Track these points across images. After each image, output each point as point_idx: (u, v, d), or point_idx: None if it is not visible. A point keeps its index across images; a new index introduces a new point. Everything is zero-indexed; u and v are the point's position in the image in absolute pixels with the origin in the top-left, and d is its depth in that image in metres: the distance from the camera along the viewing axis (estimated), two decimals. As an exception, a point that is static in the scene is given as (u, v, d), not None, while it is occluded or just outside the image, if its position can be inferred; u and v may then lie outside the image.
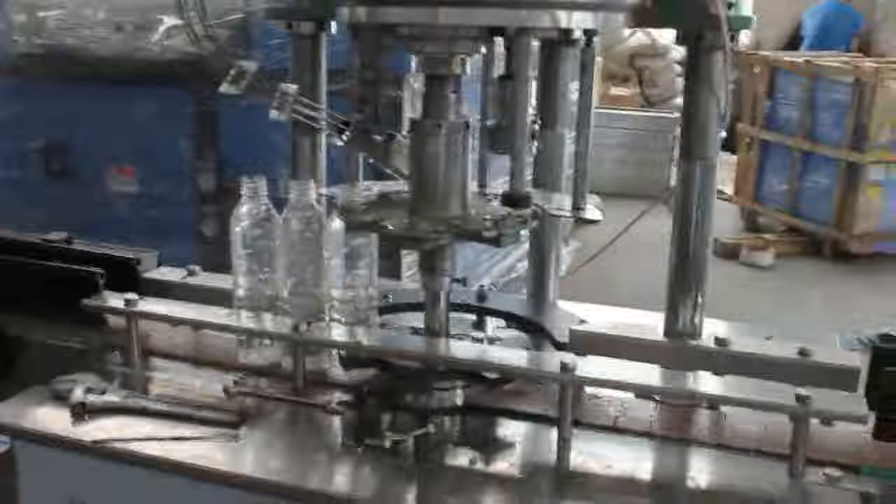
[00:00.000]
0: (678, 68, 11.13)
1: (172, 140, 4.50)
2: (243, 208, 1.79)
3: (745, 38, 11.79)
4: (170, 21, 3.96)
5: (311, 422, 1.66)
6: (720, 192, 8.87)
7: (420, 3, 1.42)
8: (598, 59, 10.17)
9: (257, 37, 3.56)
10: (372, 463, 1.52)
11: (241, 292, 1.83)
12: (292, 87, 1.69)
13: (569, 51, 1.83)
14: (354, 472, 1.52)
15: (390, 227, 1.56)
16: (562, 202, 1.78)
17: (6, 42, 4.58)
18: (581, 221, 1.77)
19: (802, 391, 1.45)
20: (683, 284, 1.68)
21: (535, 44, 1.88)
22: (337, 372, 1.78)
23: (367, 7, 1.48)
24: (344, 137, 1.71)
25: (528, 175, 1.67)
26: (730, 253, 7.16)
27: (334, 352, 1.78)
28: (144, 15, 4.21)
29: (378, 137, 1.71)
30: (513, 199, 1.58)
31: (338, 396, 1.70)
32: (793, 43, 11.11)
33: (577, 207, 1.73)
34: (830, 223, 7.04)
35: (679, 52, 11.55)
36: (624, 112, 9.65)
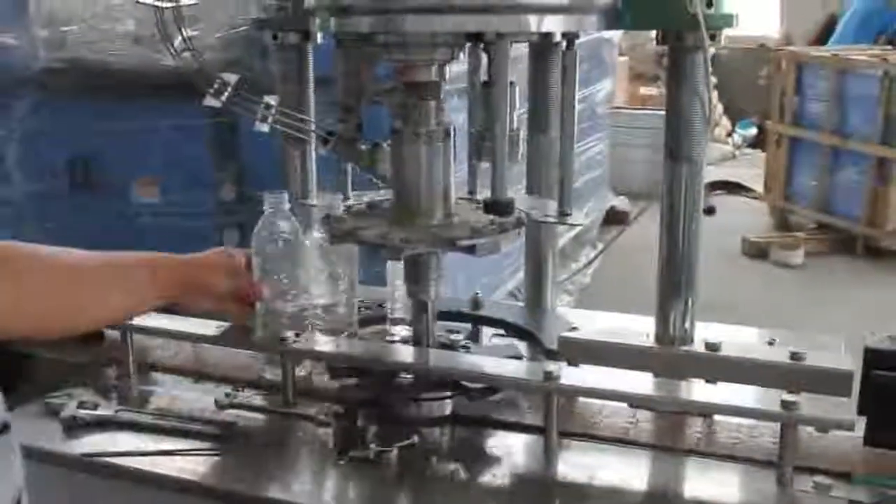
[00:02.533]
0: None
1: (193, 151, 4.55)
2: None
3: (774, 33, 11.68)
4: (186, 32, 4.00)
5: (300, 433, 1.66)
6: (750, 190, 8.80)
7: (387, 12, 1.41)
8: (624, 59, 10.19)
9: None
10: (355, 475, 1.52)
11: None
12: (274, 99, 1.70)
13: (558, 53, 1.80)
14: (336, 484, 1.51)
15: (366, 236, 1.55)
16: (551, 208, 1.75)
17: (29, 57, 4.62)
18: (567, 226, 1.74)
19: (788, 397, 1.42)
20: (673, 288, 1.65)
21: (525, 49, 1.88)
22: (328, 383, 1.77)
23: (337, 17, 1.48)
24: (328, 147, 1.70)
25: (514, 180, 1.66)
26: (759, 252, 7.08)
27: (325, 363, 1.77)
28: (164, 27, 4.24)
29: (363, 146, 1.70)
30: (495, 206, 1.56)
31: (327, 408, 1.69)
32: (824, 38, 10.97)
33: (562, 213, 1.70)
34: (862, 220, 6.93)
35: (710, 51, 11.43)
36: (652, 112, 9.57)
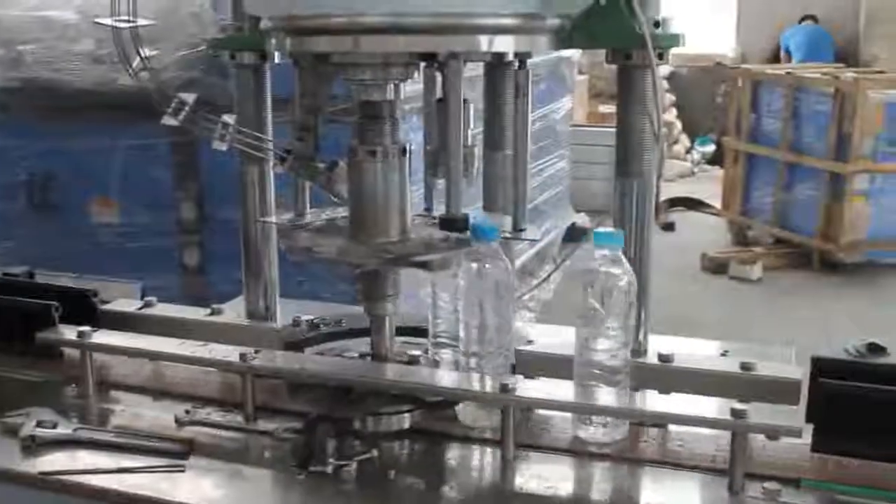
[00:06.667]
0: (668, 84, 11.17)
1: (153, 171, 4.53)
2: None
3: (730, 52, 11.86)
4: (144, 52, 3.99)
5: (259, 449, 1.67)
6: (709, 206, 8.91)
7: (340, 32, 1.44)
8: (584, 77, 10.28)
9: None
10: (314, 489, 1.53)
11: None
12: (232, 118, 1.71)
13: (511, 72, 1.83)
14: (296, 499, 1.53)
15: (322, 253, 1.57)
16: (506, 224, 1.78)
17: (-14, 76, 4.60)
18: (523, 241, 1.77)
19: (738, 406, 1.45)
20: (626, 302, 1.68)
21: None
22: (287, 399, 1.78)
23: (293, 37, 1.50)
24: (286, 165, 1.72)
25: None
26: (718, 267, 7.17)
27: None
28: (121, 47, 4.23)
29: (321, 164, 1.72)
30: (449, 223, 1.59)
31: (287, 423, 1.71)
32: (778, 57, 11.17)
33: (517, 228, 1.73)
34: (818, 234, 7.05)
35: (670, 67, 11.60)
36: (612, 129, 9.60)
